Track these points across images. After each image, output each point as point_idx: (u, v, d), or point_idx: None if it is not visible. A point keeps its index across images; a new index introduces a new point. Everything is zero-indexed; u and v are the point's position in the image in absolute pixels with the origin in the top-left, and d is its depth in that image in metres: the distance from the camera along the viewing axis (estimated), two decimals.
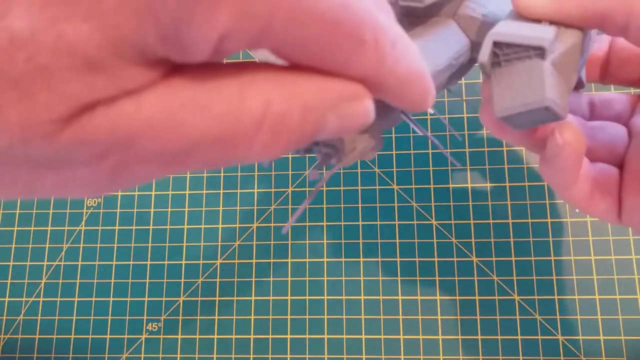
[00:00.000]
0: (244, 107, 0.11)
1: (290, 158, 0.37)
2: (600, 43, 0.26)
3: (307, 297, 0.34)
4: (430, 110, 0.23)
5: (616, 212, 0.23)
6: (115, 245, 0.37)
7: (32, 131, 0.10)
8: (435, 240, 0.34)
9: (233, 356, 0.34)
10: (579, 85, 0.26)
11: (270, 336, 0.34)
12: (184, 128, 0.11)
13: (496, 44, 0.20)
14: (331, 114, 0.12)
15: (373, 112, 0.13)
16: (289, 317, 0.34)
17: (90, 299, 0.36)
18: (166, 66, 0.11)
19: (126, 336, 0.35)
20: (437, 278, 0.34)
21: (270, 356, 0.34)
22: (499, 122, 0.21)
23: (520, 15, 0.20)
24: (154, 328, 0.35)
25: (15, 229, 0.38)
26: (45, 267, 0.37)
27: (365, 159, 0.21)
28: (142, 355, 0.35)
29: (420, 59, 0.13)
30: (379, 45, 0.12)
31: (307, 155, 0.37)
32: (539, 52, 0.19)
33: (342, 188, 0.36)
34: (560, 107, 0.19)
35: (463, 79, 0.37)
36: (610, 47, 0.26)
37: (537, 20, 0.20)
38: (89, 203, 0.38)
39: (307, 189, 0.36)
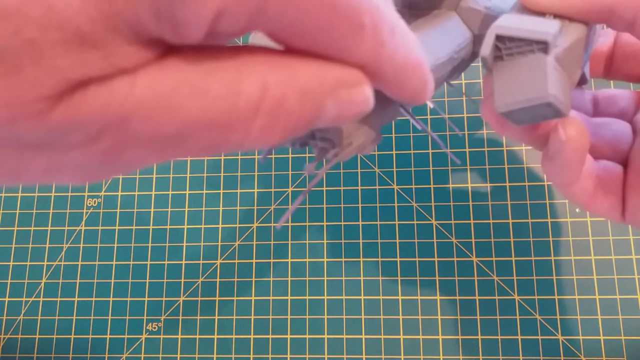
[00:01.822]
0: (240, 90, 0.11)
1: (290, 158, 0.37)
2: (604, 38, 0.25)
3: (307, 297, 0.34)
4: (430, 104, 0.22)
5: (620, 210, 0.22)
6: (115, 245, 0.37)
7: (21, 109, 0.09)
8: (435, 240, 0.34)
9: (233, 356, 0.34)
10: (582, 81, 0.25)
11: (270, 336, 0.34)
12: (179, 110, 0.10)
13: (498, 38, 0.19)
14: (329, 99, 0.12)
15: (372, 99, 0.13)
16: (288, 317, 0.34)
17: (90, 299, 0.36)
18: (161, 47, 0.10)
19: (126, 336, 0.35)
20: (437, 278, 0.34)
21: (270, 356, 0.34)
22: (500, 117, 0.21)
23: (524, 8, 0.20)
24: (154, 328, 0.35)
25: (15, 228, 0.38)
26: (45, 267, 0.37)
27: (364, 154, 0.20)
28: (142, 355, 0.35)
29: (419, 48, 0.13)
30: (378, 30, 0.11)
31: (307, 156, 0.37)
32: (542, 46, 0.19)
33: (342, 188, 0.36)
34: (562, 103, 0.19)
35: (464, 77, 0.37)
36: (615, 42, 0.25)
37: (542, 14, 0.20)
38: (89, 203, 0.38)
39: (307, 189, 0.36)
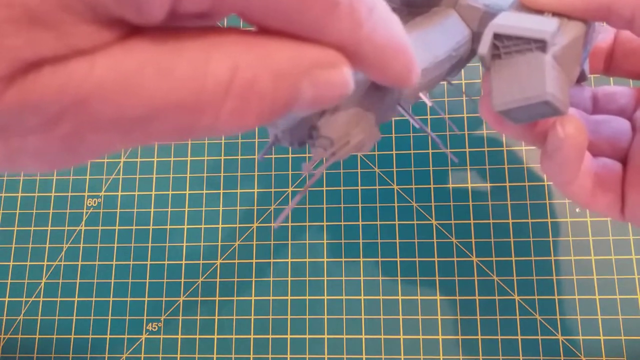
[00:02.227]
0: (209, 70, 0.10)
1: (290, 158, 0.37)
2: (604, 34, 0.25)
3: (307, 297, 0.34)
4: (429, 103, 0.22)
5: (619, 208, 0.22)
6: (115, 245, 0.37)
7: None
8: (435, 240, 0.34)
9: (233, 356, 0.34)
10: (581, 78, 0.25)
11: (270, 336, 0.34)
12: (143, 92, 0.10)
13: (496, 36, 0.19)
14: (305, 81, 0.11)
15: (351, 81, 0.12)
16: (288, 317, 0.34)
17: (90, 299, 0.36)
18: (123, 27, 0.10)
19: (126, 336, 0.35)
20: (437, 278, 0.34)
21: (270, 356, 0.34)
22: (498, 116, 0.21)
23: (523, 6, 0.20)
24: (154, 328, 0.35)
25: (15, 228, 0.38)
26: (45, 267, 0.37)
27: (362, 152, 0.20)
28: (142, 355, 0.35)
29: (401, 29, 0.13)
30: (354, 9, 0.11)
31: (307, 155, 0.37)
32: (540, 44, 0.19)
33: (342, 188, 0.36)
34: (560, 102, 0.19)
35: (464, 77, 0.37)
36: (616, 38, 0.25)
37: (540, 12, 0.20)
38: (89, 203, 0.38)
39: (305, 187, 0.36)
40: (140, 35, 0.10)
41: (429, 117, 0.36)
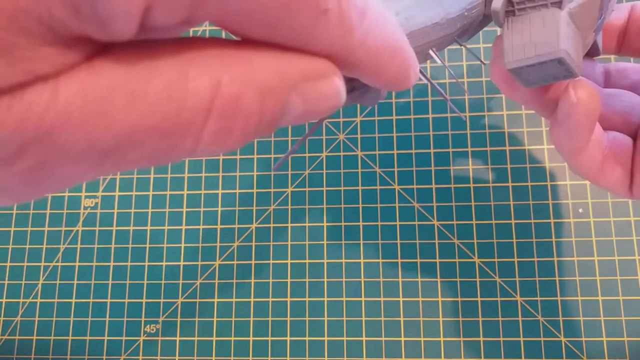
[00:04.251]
0: (187, 90, 0.09)
1: (290, 158, 0.36)
2: (618, 12, 0.25)
3: (307, 299, 0.34)
4: (439, 61, 0.21)
5: (627, 184, 0.22)
6: (113, 246, 0.36)
7: None
8: (437, 241, 0.34)
9: (232, 358, 0.34)
10: (594, 52, 0.25)
11: (269, 338, 0.34)
12: (114, 118, 0.09)
13: None
14: (294, 95, 0.11)
15: (344, 91, 0.12)
16: (288, 318, 0.34)
17: (88, 300, 0.36)
18: (89, 46, 0.09)
19: (124, 338, 0.35)
20: (438, 279, 0.33)
21: (269, 358, 0.33)
22: (509, 77, 0.21)
23: None
24: (152, 330, 0.35)
25: (12, 229, 0.37)
26: (42, 268, 0.37)
27: (366, 105, 0.20)
28: (140, 357, 0.34)
29: (397, 29, 0.12)
30: (344, 15, 0.10)
31: (307, 155, 0.36)
32: (557, 0, 0.18)
33: (342, 188, 0.35)
34: (574, 62, 0.18)
35: (465, 76, 0.37)
36: (630, 16, 0.25)
37: None
38: (87, 203, 0.37)
39: (307, 188, 0.36)
40: (109, 53, 0.09)
41: (431, 116, 0.36)
